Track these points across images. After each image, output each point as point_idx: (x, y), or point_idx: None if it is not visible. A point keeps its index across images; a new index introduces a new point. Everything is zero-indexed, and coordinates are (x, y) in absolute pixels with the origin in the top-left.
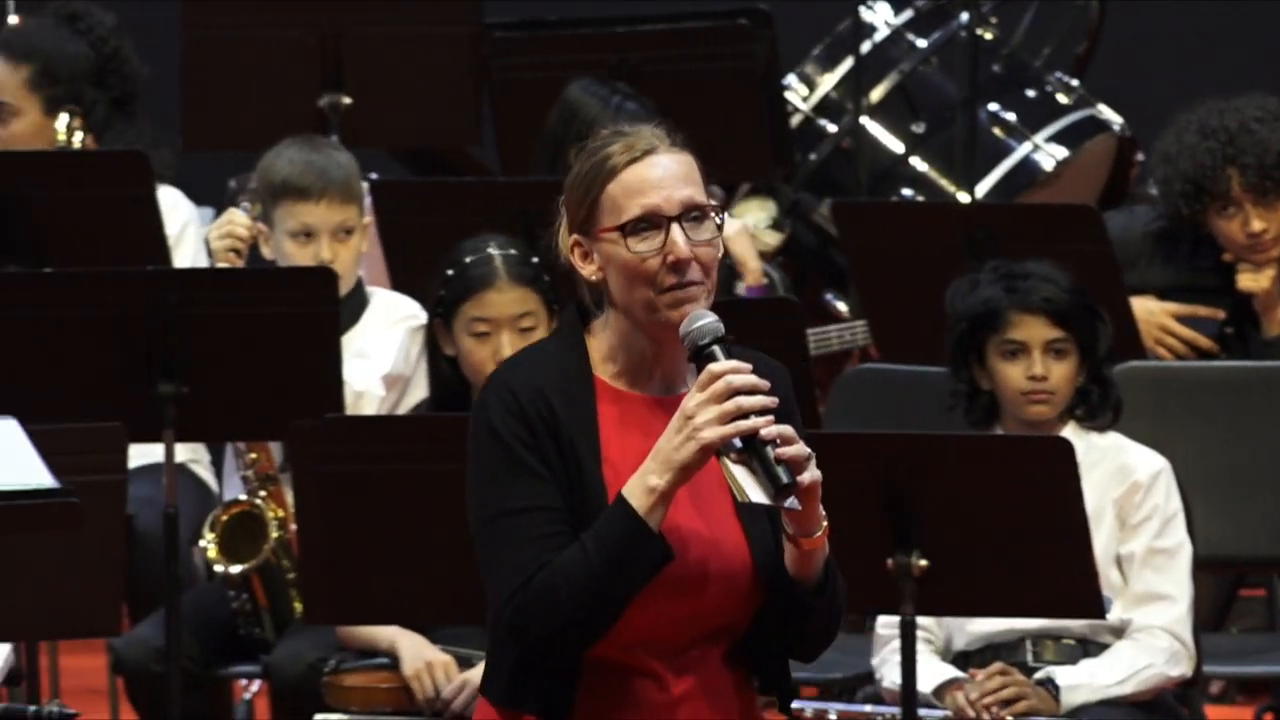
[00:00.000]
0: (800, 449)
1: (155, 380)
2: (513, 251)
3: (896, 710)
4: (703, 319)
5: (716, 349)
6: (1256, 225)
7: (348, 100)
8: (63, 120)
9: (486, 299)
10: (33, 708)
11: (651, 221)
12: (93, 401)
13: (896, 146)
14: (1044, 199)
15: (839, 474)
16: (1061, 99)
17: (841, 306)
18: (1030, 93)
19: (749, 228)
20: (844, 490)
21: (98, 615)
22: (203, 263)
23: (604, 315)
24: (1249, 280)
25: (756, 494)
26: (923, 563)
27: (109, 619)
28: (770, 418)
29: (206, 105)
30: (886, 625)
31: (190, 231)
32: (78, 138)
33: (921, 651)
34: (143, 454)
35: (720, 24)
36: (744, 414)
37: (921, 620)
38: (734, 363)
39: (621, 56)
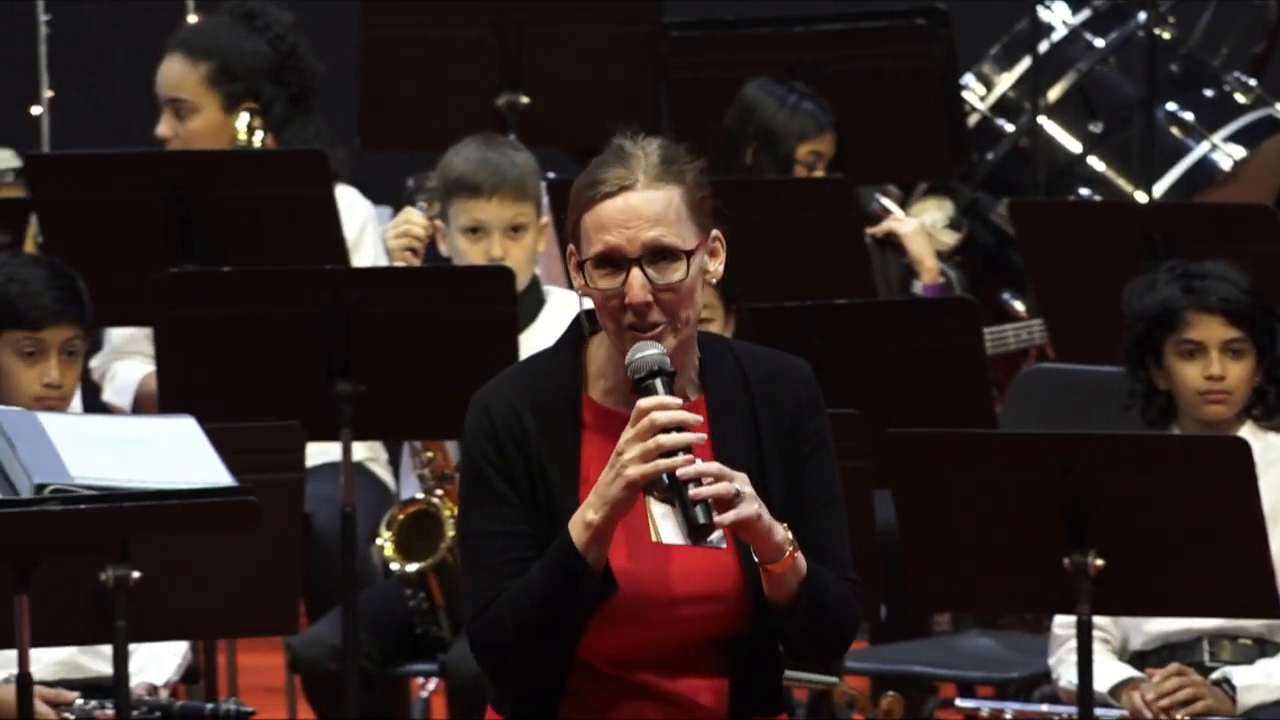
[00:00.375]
0: (723, 488)
1: (333, 379)
2: None
3: (1073, 710)
4: (644, 350)
5: (657, 382)
6: None
7: (526, 99)
8: (243, 119)
9: None
10: (210, 705)
11: (612, 261)
12: (271, 400)
13: (1074, 146)
14: (1221, 198)
15: (1015, 474)
16: (1239, 98)
17: (1018, 306)
18: (1208, 92)
19: (926, 227)
20: (1020, 490)
21: (275, 614)
22: (382, 262)
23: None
24: None
25: (670, 534)
26: (1099, 562)
27: (286, 617)
28: (688, 456)
29: (385, 104)
30: (1063, 625)
31: (369, 231)
32: (258, 137)
33: (1098, 651)
34: (320, 453)
35: (898, 23)
36: (666, 452)
37: (1098, 620)
38: (660, 398)
39: (799, 56)
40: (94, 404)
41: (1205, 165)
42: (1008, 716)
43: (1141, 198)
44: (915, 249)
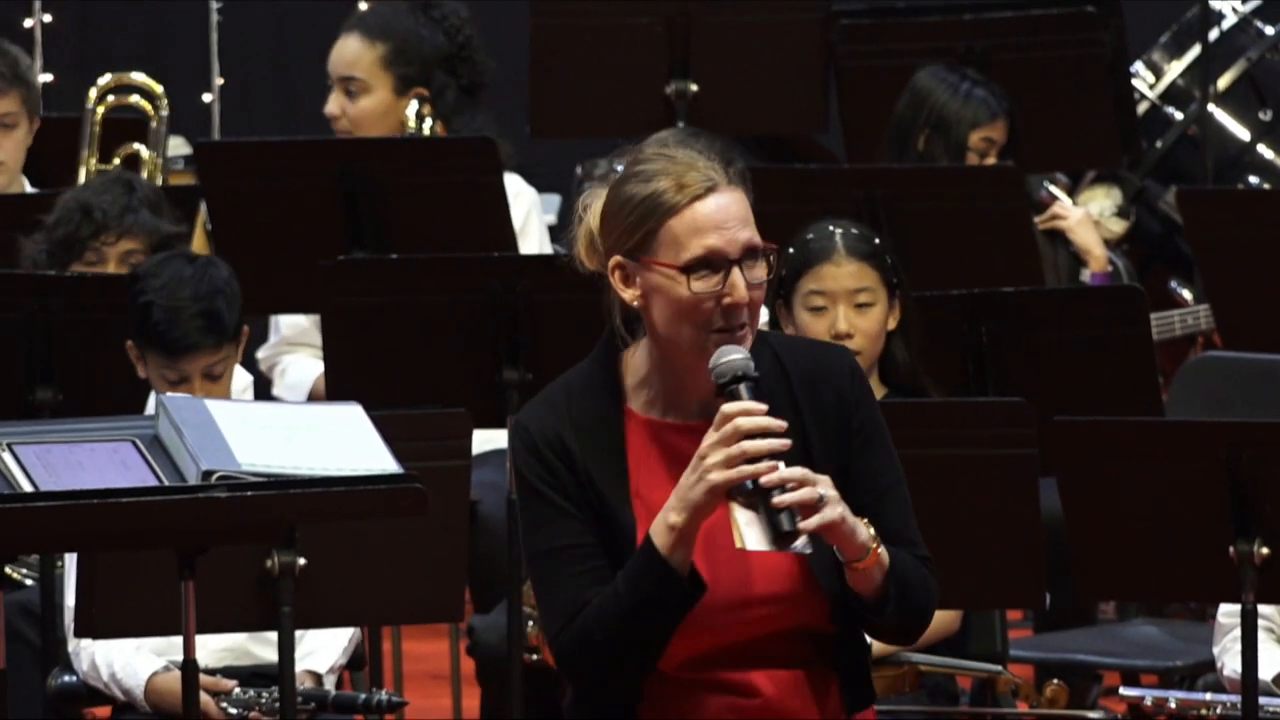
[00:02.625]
0: (807, 493)
1: (500, 366)
2: (854, 230)
3: (1237, 699)
4: (730, 354)
5: (742, 388)
6: None
7: (694, 87)
8: (413, 107)
9: (824, 272)
10: (363, 696)
11: (712, 264)
12: (437, 387)
13: (1243, 134)
14: None
15: (1180, 462)
16: None
17: (1186, 294)
18: None
19: (1093, 215)
20: (1186, 478)
21: (441, 601)
22: (547, 248)
23: (638, 340)
24: None
25: (755, 540)
26: (1265, 551)
27: (452, 605)
28: (774, 463)
29: (554, 92)
30: (1228, 614)
31: (534, 218)
32: (427, 125)
33: (1263, 640)
34: (486, 440)
35: (1069, 11)
36: (751, 458)
37: (1263, 609)
38: (746, 403)
39: (969, 44)
40: (264, 397)
41: None
42: (1172, 705)
43: None
44: (1082, 238)
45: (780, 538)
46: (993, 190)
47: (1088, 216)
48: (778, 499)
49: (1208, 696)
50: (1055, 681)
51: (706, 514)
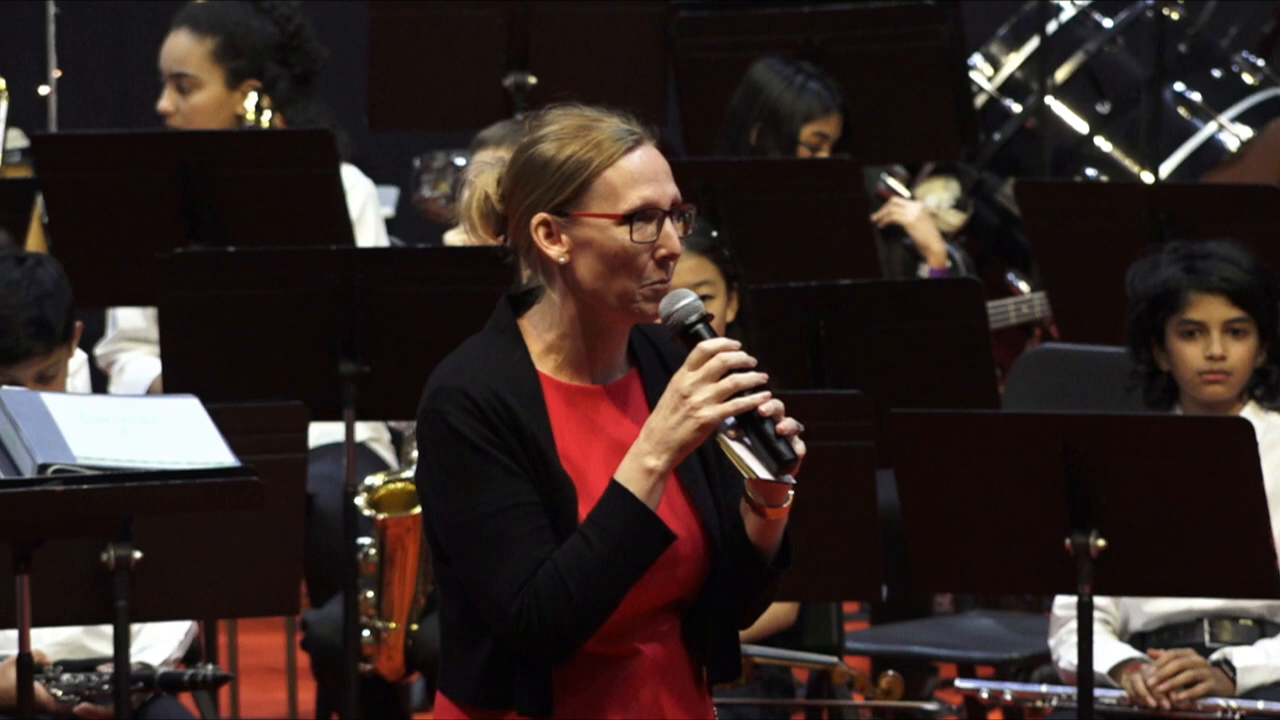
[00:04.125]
0: (794, 422)
1: (337, 359)
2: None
3: (1072, 690)
4: (685, 298)
5: (702, 327)
6: None
7: (533, 80)
8: (252, 99)
9: None
10: (189, 672)
11: (647, 215)
12: (275, 381)
13: (1081, 126)
14: (1228, 179)
15: (1017, 454)
16: (1247, 79)
17: (1024, 286)
18: (1216, 73)
19: (931, 208)
20: (1023, 470)
21: (277, 594)
22: (384, 240)
23: (543, 304)
24: None
25: (761, 470)
26: (1101, 543)
27: (288, 598)
28: (768, 393)
29: (392, 85)
30: (1064, 606)
31: (370, 210)
32: (265, 116)
33: (1098, 632)
34: (324, 433)
35: (907, 4)
36: (739, 391)
37: (1099, 601)
38: (724, 340)
39: (807, 37)
40: (101, 392)
41: (1212, 146)
42: (1007, 697)
43: (1148, 178)
44: (921, 235)
45: (785, 466)
46: (830, 183)
47: (926, 213)
48: (781, 426)
49: (1043, 688)
50: (891, 673)
51: (689, 452)
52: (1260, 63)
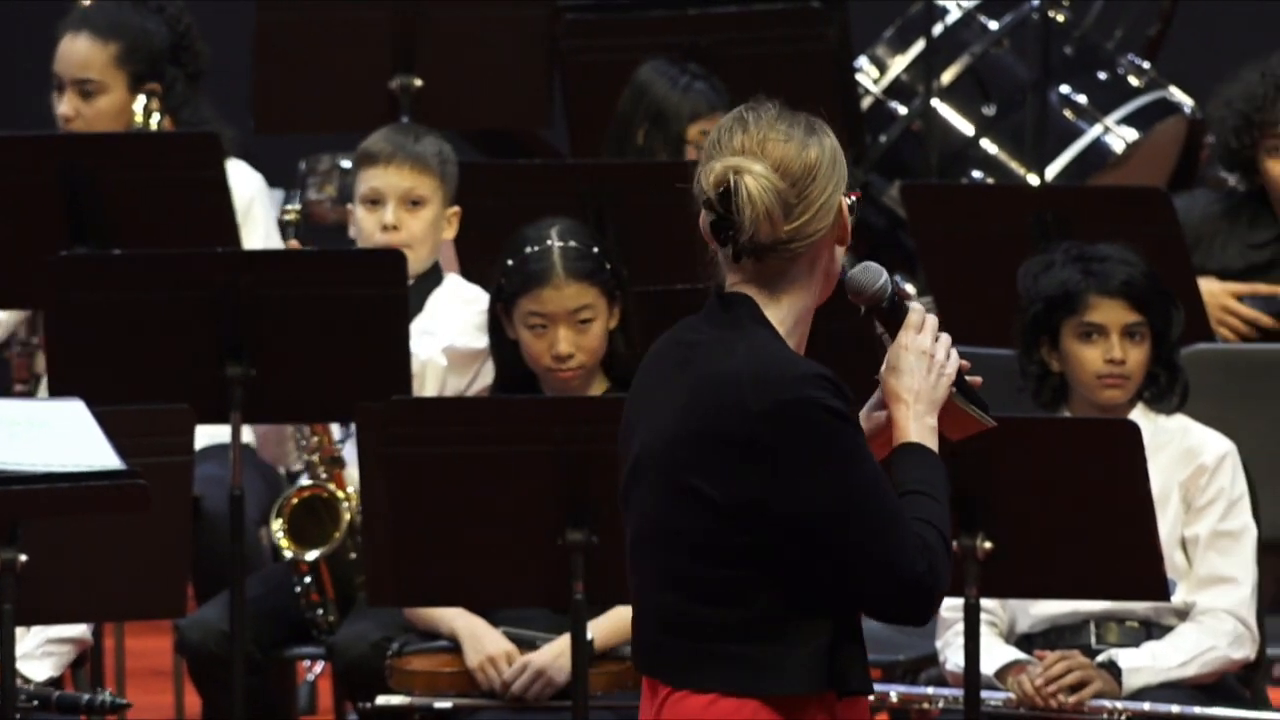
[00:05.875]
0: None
1: (223, 362)
2: (573, 244)
3: (959, 692)
4: (878, 271)
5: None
6: None
7: (419, 82)
8: (140, 102)
9: (543, 295)
10: (86, 696)
11: None
12: (161, 383)
13: (967, 129)
14: (1114, 181)
15: None
16: (1133, 81)
17: (909, 289)
18: (1102, 75)
19: None
20: None
21: (163, 597)
22: (274, 236)
23: (782, 295)
24: None
25: (983, 416)
26: (988, 545)
27: (174, 601)
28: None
29: (278, 87)
30: (951, 608)
31: (257, 205)
32: (154, 119)
33: (985, 634)
34: (210, 434)
35: (793, 6)
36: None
37: (985, 602)
38: (919, 304)
39: (694, 39)
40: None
41: (1098, 148)
42: (893, 698)
43: (1034, 181)
44: None
45: (987, 411)
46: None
47: None
48: (972, 380)
49: (930, 690)
50: None
51: None
52: (1146, 65)
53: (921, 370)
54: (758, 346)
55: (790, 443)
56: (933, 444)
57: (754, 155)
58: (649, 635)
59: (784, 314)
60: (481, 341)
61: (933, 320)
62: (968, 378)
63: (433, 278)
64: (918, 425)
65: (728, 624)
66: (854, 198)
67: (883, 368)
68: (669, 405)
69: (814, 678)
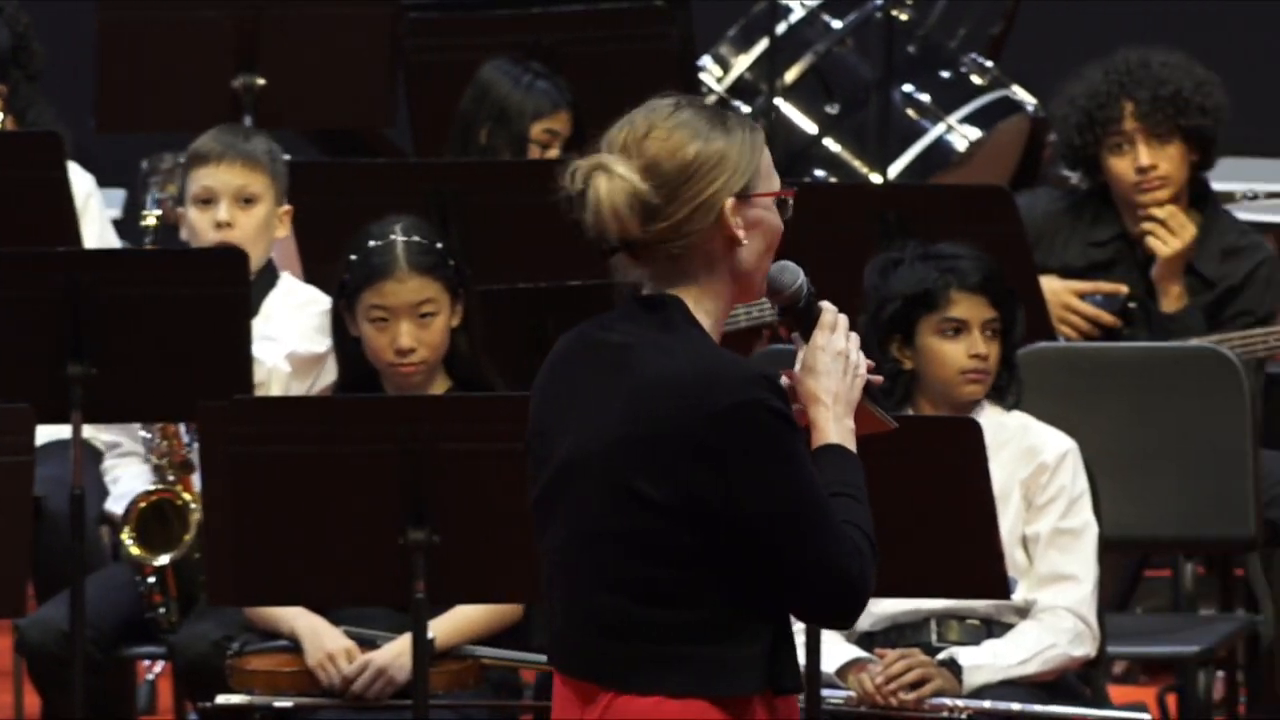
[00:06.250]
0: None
1: (64, 361)
2: (416, 238)
3: (799, 691)
4: (790, 268)
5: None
6: (1145, 159)
7: (262, 81)
8: None
9: (386, 288)
10: None
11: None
12: (1, 382)
13: (810, 128)
14: (957, 180)
15: None
16: (976, 80)
17: None
18: (945, 74)
19: None
20: None
21: (3, 597)
22: (108, 235)
23: (695, 295)
24: (1160, 245)
25: (885, 416)
26: None
27: (14, 600)
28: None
29: (120, 87)
30: None
31: (93, 203)
32: None
33: (826, 632)
34: (50, 432)
35: (636, 5)
36: None
37: None
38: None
39: (537, 38)
40: None
41: (940, 146)
42: None
43: (877, 179)
44: None
45: (887, 411)
46: (557, 183)
47: None
48: (873, 379)
49: None
50: None
51: None
52: (989, 64)
53: (838, 371)
54: (696, 348)
55: (738, 444)
56: (852, 445)
57: (626, 153)
58: (584, 638)
59: (702, 314)
60: (322, 345)
61: (844, 320)
62: (870, 377)
63: (267, 278)
64: (838, 426)
65: (674, 625)
66: (783, 195)
67: (797, 367)
68: (604, 408)
69: (759, 677)
